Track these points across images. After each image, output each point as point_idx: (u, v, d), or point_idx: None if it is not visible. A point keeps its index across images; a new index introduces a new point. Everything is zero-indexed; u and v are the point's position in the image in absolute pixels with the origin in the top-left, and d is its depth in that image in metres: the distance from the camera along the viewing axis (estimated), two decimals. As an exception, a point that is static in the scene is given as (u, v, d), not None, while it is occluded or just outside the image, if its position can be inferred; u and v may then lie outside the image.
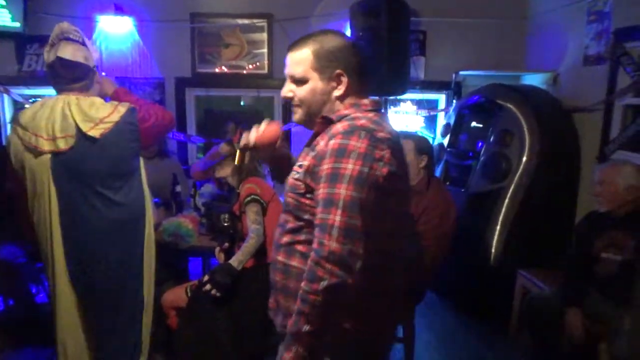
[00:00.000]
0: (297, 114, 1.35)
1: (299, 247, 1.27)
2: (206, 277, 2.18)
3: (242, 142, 1.44)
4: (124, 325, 2.01)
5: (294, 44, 1.30)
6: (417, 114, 4.55)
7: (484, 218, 3.23)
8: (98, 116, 1.82)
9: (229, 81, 4.40)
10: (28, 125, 1.82)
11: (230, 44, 4.32)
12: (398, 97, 4.30)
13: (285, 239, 1.31)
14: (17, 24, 3.97)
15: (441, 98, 4.67)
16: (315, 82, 1.28)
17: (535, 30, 4.16)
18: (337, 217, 1.10)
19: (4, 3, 3.89)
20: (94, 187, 1.85)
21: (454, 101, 4.22)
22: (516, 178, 3.16)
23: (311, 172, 1.21)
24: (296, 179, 1.26)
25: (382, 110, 1.34)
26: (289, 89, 1.32)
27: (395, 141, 1.22)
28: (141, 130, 1.91)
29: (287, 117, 4.42)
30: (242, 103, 5.28)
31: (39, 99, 4.19)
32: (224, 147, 2.46)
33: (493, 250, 3.16)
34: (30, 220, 1.94)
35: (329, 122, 1.27)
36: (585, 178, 3.28)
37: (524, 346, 2.86)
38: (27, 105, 4.14)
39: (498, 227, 3.16)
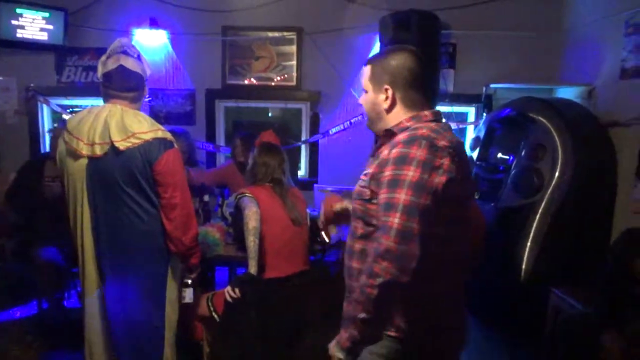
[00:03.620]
0: (367, 121, 1.53)
1: None
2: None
3: (319, 224, 1.76)
4: (145, 340, 2.01)
5: (367, 61, 1.48)
6: (446, 127, 4.48)
7: (514, 233, 3.15)
8: (132, 129, 1.85)
9: (257, 93, 4.46)
10: (73, 130, 1.90)
11: (260, 56, 4.39)
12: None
13: (358, 245, 1.40)
14: (58, 37, 4.13)
15: (471, 111, 4.62)
16: (370, 93, 1.45)
17: (570, 43, 4.07)
18: (395, 220, 1.19)
19: (46, 15, 4.06)
20: (120, 195, 1.88)
21: (484, 114, 4.15)
22: (548, 193, 3.08)
23: (375, 178, 1.30)
24: (362, 186, 1.36)
25: (443, 120, 1.43)
26: (360, 98, 1.52)
27: (455, 148, 1.29)
28: (159, 178, 1.89)
29: (314, 129, 4.45)
30: (269, 114, 5.34)
31: (77, 110, 4.37)
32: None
33: (524, 267, 3.07)
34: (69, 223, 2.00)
35: (391, 134, 1.39)
36: (622, 194, 3.16)
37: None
38: (64, 116, 4.30)
39: (529, 243, 3.08)
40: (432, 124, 1.34)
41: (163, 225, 1.93)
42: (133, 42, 4.08)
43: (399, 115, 1.41)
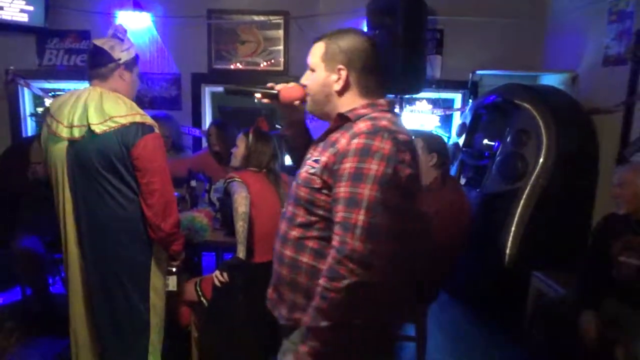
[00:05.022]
0: (308, 103, 1.40)
1: (310, 243, 1.27)
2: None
3: (269, 85, 1.46)
4: (130, 326, 1.99)
5: (318, 38, 1.37)
6: (432, 113, 4.52)
7: (499, 218, 3.20)
8: (110, 113, 1.81)
9: (244, 78, 4.42)
10: (54, 113, 1.87)
11: (247, 40, 4.34)
12: (413, 96, 4.28)
13: (294, 233, 1.30)
14: (39, 19, 4.03)
15: (457, 97, 4.64)
16: (320, 72, 1.33)
17: (554, 30, 4.11)
18: (360, 217, 1.11)
19: (26, -3, 3.95)
20: (98, 180, 1.84)
21: (470, 101, 4.18)
22: (532, 179, 3.13)
23: (330, 169, 1.20)
24: (312, 174, 1.25)
25: (396, 111, 1.40)
26: (304, 77, 1.39)
27: (412, 143, 1.25)
28: (137, 163, 1.85)
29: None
30: (256, 100, 5.29)
31: (59, 93, 4.29)
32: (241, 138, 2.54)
33: (507, 251, 3.13)
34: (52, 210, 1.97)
35: (345, 120, 1.29)
36: (603, 180, 3.23)
37: (536, 349, 2.83)
38: (46, 100, 4.22)
39: (513, 228, 3.13)
40: (389, 115, 1.27)
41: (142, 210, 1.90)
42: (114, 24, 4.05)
43: (352, 101, 1.31)
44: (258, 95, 1.48)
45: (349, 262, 1.10)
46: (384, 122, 1.21)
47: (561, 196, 3.14)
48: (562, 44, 3.97)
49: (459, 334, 3.16)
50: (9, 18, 3.95)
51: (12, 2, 3.93)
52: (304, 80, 1.39)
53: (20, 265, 3.03)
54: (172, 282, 2.12)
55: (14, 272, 3.18)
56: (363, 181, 1.12)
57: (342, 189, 1.15)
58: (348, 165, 1.15)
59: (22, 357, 2.73)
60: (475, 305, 3.44)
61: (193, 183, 3.05)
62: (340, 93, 1.32)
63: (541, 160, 3.12)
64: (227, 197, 2.44)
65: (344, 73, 1.30)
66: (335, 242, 1.14)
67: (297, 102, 1.44)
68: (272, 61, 4.36)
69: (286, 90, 1.45)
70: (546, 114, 3.20)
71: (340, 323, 1.14)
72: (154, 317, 2.04)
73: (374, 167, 1.13)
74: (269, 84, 1.48)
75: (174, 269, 2.12)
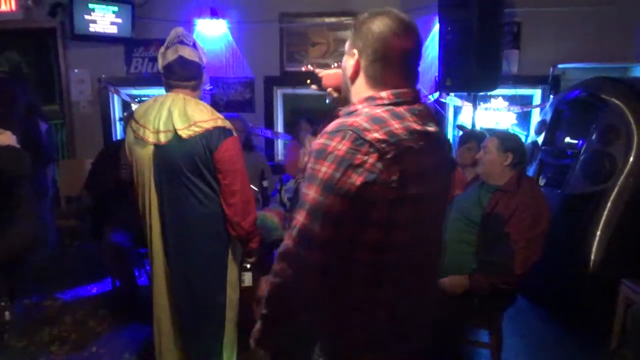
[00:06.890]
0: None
1: None
2: None
3: (316, 71, 1.48)
4: (207, 318, 2.08)
5: None
6: (509, 110, 4.32)
7: (582, 221, 3.00)
8: (194, 118, 1.91)
9: (314, 79, 4.48)
10: (140, 119, 1.99)
11: (317, 42, 4.40)
12: (488, 93, 4.12)
13: None
14: (127, 30, 4.36)
15: (536, 93, 4.41)
16: (345, 56, 1.25)
17: (647, 17, 3.78)
18: (300, 219, 1.08)
19: (115, 9, 4.29)
20: (183, 181, 1.95)
21: (551, 96, 3.96)
22: (621, 179, 2.90)
23: (306, 168, 1.15)
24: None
25: (413, 103, 1.17)
26: None
27: (398, 143, 1.06)
28: (219, 165, 1.95)
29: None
30: (326, 101, 5.34)
31: (144, 99, 4.60)
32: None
33: (592, 257, 2.92)
34: (137, 208, 2.12)
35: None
36: None
37: (626, 362, 2.63)
38: (132, 105, 4.54)
39: (599, 232, 2.92)
40: (381, 109, 1.11)
41: (223, 209, 2.00)
42: (194, 32, 4.28)
43: (360, 91, 1.20)
44: (308, 80, 1.48)
45: (282, 260, 1.10)
46: (356, 119, 1.07)
47: (655, 198, 2.89)
48: (657, 32, 3.65)
49: (537, 341, 3.00)
50: (101, 31, 4.31)
51: (103, 16, 4.28)
52: None
53: (109, 258, 3.30)
54: (248, 278, 2.20)
55: (105, 264, 3.47)
56: (312, 183, 1.07)
57: (302, 190, 1.12)
58: (308, 166, 1.10)
59: (113, 340, 2.97)
60: (554, 312, 3.26)
61: (265, 183, 3.15)
62: (352, 80, 1.21)
63: (631, 159, 2.89)
64: (298, 197, 2.48)
65: (355, 58, 1.19)
66: None
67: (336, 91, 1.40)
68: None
69: (327, 76, 1.43)
70: (638, 109, 2.95)
71: (274, 317, 1.18)
72: (229, 310, 2.13)
73: (323, 169, 1.05)
74: (317, 70, 1.48)
75: (248, 266, 2.19)
